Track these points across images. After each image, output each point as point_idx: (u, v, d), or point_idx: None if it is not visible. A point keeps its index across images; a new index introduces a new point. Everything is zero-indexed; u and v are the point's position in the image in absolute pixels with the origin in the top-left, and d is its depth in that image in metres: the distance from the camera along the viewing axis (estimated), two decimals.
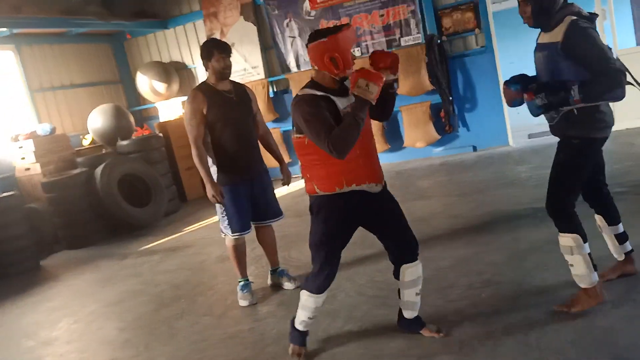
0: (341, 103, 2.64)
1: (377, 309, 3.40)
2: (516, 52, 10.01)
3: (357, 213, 2.76)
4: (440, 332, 2.90)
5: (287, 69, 8.81)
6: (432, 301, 3.33)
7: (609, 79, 2.55)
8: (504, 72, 7.86)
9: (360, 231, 5.06)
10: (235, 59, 8.58)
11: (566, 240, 2.78)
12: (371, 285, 3.80)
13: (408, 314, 2.95)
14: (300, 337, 3.01)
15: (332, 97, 2.61)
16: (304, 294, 2.89)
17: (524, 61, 10.38)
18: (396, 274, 2.92)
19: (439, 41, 7.73)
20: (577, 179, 2.80)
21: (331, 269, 2.83)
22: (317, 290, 2.85)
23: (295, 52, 8.71)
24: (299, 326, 2.98)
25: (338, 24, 3.08)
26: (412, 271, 2.82)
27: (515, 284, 3.34)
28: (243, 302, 3.92)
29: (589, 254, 2.77)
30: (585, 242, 2.76)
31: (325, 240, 2.78)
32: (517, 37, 9.99)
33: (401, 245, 2.84)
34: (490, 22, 7.67)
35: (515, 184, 5.70)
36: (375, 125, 8.13)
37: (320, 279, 2.83)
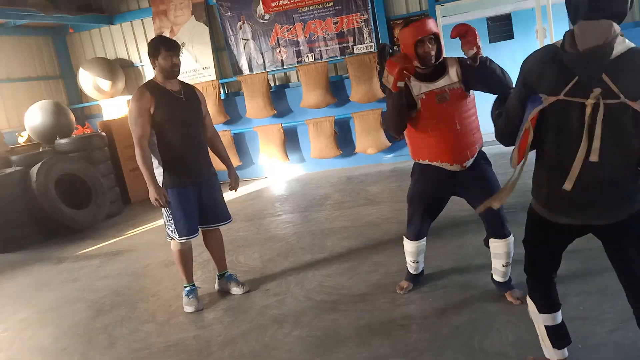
0: (417, 87, 3.01)
1: (326, 314, 3.36)
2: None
3: (438, 185, 3.11)
4: (519, 300, 3.03)
5: (239, 71, 8.70)
6: (380, 305, 3.34)
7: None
8: None
9: (309, 236, 5.07)
10: (186, 59, 8.46)
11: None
12: (320, 290, 3.77)
13: (496, 277, 3.19)
14: (409, 275, 3.50)
15: (411, 81, 3.01)
16: (404, 239, 3.37)
17: None
18: (485, 241, 3.30)
19: (390, 51, 7.81)
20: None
21: (417, 224, 3.25)
22: (411, 237, 3.31)
23: (248, 54, 8.62)
24: (409, 269, 3.47)
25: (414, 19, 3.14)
26: (496, 245, 3.10)
27: (462, 288, 3.39)
28: (188, 308, 3.79)
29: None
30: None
31: (412, 199, 3.22)
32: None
33: (487, 222, 3.13)
34: (440, 34, 7.81)
35: None
36: (328, 131, 8.15)
37: (411, 229, 3.30)
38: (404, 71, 2.84)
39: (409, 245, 3.35)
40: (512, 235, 3.08)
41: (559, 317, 2.26)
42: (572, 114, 1.81)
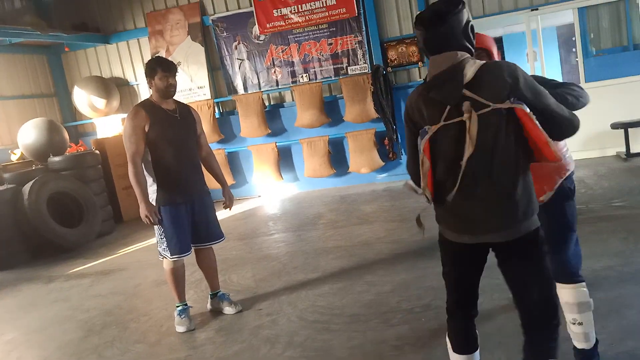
0: None
1: (319, 334, 3.34)
2: None
3: None
4: None
5: (234, 91, 8.76)
6: (373, 325, 3.32)
7: None
8: None
9: (302, 256, 5.06)
10: (181, 78, 8.46)
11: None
12: (313, 310, 3.75)
13: (575, 343, 2.52)
14: None
15: None
16: None
17: None
18: None
19: (384, 72, 7.94)
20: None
21: None
22: None
23: (243, 74, 8.69)
24: None
25: None
26: (564, 293, 2.43)
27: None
28: (180, 328, 3.75)
29: None
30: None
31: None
32: None
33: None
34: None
35: None
36: (322, 150, 8.21)
37: None
38: None
39: None
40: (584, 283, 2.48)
41: (475, 358, 2.22)
42: (456, 134, 1.93)
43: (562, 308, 2.40)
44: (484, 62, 1.95)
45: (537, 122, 1.84)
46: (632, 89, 7.22)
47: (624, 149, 7.12)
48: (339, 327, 3.38)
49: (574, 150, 7.45)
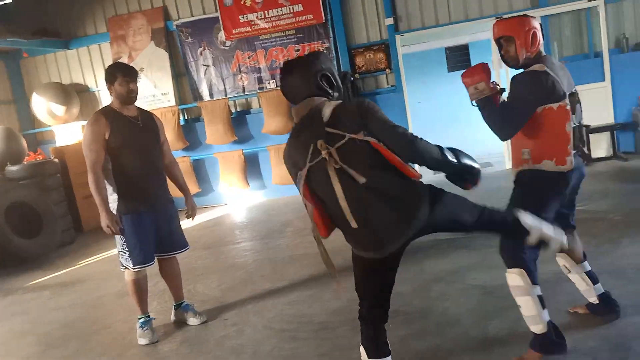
0: None
1: (286, 343, 3.29)
2: (423, 93, 10.61)
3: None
4: None
5: (199, 97, 8.65)
6: (341, 333, 3.29)
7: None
8: (412, 111, 8.25)
9: (269, 264, 5.00)
10: (144, 84, 8.36)
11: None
12: (280, 318, 3.69)
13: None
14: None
15: None
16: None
17: (430, 102, 11.10)
18: None
19: (352, 78, 7.97)
20: None
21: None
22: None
23: (209, 80, 8.59)
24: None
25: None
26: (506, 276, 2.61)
27: (422, 314, 3.39)
28: (143, 340, 3.65)
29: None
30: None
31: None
32: (424, 79, 10.64)
33: None
34: (400, 63, 8.05)
35: None
36: None
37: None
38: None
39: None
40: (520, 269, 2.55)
41: None
42: (325, 172, 2.15)
43: None
44: (339, 102, 2.22)
45: (388, 149, 2.08)
46: (593, 95, 7.43)
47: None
48: (307, 335, 3.34)
49: None
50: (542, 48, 2.66)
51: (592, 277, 2.85)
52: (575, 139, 2.60)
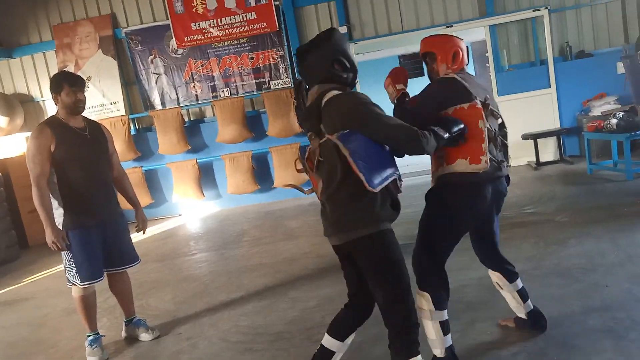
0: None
1: (242, 355, 3.23)
2: (377, 100, 10.69)
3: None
4: None
5: (151, 106, 8.47)
6: (297, 342, 3.25)
7: None
8: None
9: (224, 275, 4.91)
10: (92, 93, 8.13)
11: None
12: (235, 330, 3.62)
13: None
14: None
15: None
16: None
17: (384, 109, 11.21)
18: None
19: (307, 86, 7.95)
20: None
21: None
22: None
23: (160, 89, 8.43)
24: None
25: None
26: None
27: (377, 320, 3.34)
28: (92, 359, 3.51)
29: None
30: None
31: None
32: (378, 86, 10.76)
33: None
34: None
35: None
36: (245, 166, 8.08)
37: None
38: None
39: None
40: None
41: (336, 345, 2.47)
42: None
43: None
44: (334, 94, 2.19)
45: (350, 158, 2.08)
46: (540, 101, 7.71)
47: (534, 159, 7.56)
48: (263, 347, 3.28)
49: None
50: (466, 68, 2.69)
51: (523, 295, 2.85)
52: (490, 141, 2.51)
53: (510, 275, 2.83)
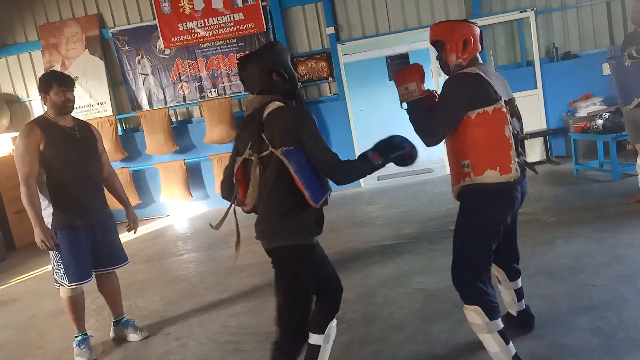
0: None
1: (230, 355, 3.22)
2: (364, 101, 10.77)
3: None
4: None
5: (138, 107, 8.42)
6: None
7: None
8: (355, 119, 8.35)
9: (213, 276, 4.90)
10: (79, 94, 8.03)
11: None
12: (224, 330, 3.62)
13: None
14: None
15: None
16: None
17: (372, 109, 11.28)
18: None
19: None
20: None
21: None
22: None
23: (148, 89, 8.38)
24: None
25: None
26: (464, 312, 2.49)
27: (366, 320, 3.40)
28: (80, 359, 3.48)
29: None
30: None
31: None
32: (365, 88, 10.79)
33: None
34: (342, 72, 8.14)
35: (366, 223, 5.94)
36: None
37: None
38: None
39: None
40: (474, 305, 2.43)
41: (313, 338, 2.52)
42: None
43: None
44: (276, 107, 2.19)
45: (295, 174, 2.11)
46: (526, 102, 7.77)
47: None
48: (251, 347, 3.28)
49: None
50: (478, 56, 2.50)
51: (520, 294, 2.84)
52: (516, 145, 2.39)
53: (513, 274, 2.80)
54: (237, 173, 2.30)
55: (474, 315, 2.36)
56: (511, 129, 2.37)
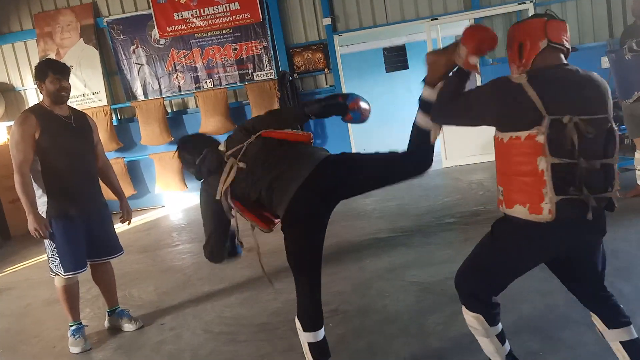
0: None
1: (225, 346, 3.24)
2: (361, 93, 10.71)
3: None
4: None
5: (133, 97, 8.38)
6: (281, 334, 3.27)
7: None
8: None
9: (207, 267, 4.91)
10: (73, 83, 7.98)
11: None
12: (219, 321, 3.63)
13: None
14: None
15: None
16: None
17: (368, 101, 11.25)
18: None
19: (290, 78, 7.97)
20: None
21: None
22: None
23: (143, 79, 8.34)
24: None
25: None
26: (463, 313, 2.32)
27: (361, 312, 3.42)
28: (74, 349, 3.50)
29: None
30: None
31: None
32: (361, 79, 10.78)
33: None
34: (339, 63, 8.12)
35: (361, 216, 5.96)
36: None
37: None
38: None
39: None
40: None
41: (320, 334, 2.51)
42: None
43: None
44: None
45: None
46: None
47: None
48: (246, 338, 3.30)
49: (474, 154, 7.93)
50: (561, 56, 2.11)
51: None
52: (558, 179, 1.89)
53: (613, 322, 2.21)
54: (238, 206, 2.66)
55: (474, 321, 2.22)
56: (550, 161, 1.87)
